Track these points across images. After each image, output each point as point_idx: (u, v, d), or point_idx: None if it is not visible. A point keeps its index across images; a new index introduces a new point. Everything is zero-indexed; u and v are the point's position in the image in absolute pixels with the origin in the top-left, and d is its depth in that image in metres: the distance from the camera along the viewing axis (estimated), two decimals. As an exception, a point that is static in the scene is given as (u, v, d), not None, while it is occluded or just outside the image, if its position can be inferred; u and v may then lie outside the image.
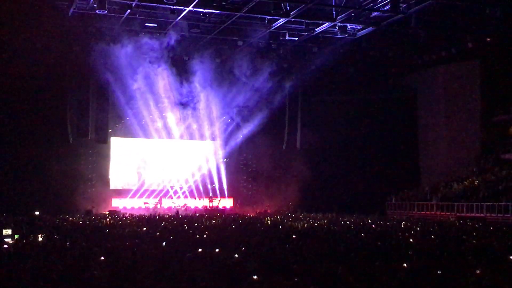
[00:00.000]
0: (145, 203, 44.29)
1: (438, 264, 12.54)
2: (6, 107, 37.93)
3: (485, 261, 13.02)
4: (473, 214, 34.91)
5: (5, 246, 17.29)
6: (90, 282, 10.10)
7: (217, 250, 14.72)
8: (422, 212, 38.82)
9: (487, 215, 34.07)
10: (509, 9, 32.38)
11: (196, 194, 47.02)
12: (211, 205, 45.44)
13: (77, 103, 41.77)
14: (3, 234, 18.70)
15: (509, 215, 32.74)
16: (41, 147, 40.18)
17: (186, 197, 46.77)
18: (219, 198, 46.84)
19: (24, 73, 36.63)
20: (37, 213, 31.97)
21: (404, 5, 32.16)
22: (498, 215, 33.47)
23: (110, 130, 44.42)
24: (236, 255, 13.42)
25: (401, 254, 14.49)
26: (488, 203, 34.95)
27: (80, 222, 28.66)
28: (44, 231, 21.07)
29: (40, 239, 18.85)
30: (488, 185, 38.05)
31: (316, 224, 28.76)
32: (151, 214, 36.25)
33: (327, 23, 35.23)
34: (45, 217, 29.86)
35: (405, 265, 12.22)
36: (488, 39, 37.78)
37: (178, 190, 46.92)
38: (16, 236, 18.88)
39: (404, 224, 27.74)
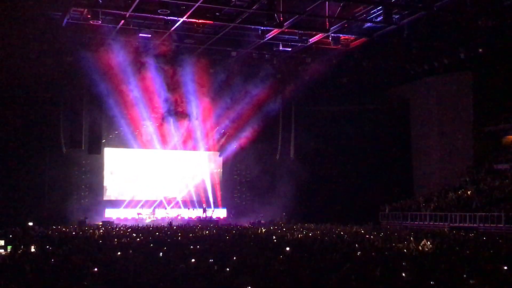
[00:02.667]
0: (138, 214, 44.18)
1: (433, 275, 12.54)
2: (0, 121, 37.83)
3: (479, 272, 13.02)
4: (466, 225, 34.93)
5: (-2, 257, 17.23)
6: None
7: (210, 261, 14.68)
8: (415, 222, 38.78)
9: (480, 225, 34.10)
10: (501, 20, 32.60)
11: (189, 205, 46.98)
12: (204, 216, 45.38)
13: (70, 113, 41.71)
14: (-4, 245, 18.63)
15: (502, 226, 32.77)
16: (34, 157, 40.08)
17: (179, 207, 46.70)
18: (212, 209, 46.79)
19: (17, 83, 36.60)
20: (30, 223, 31.79)
21: (397, 16, 32.34)
22: (492, 225, 33.50)
23: (103, 141, 44.36)
24: (229, 267, 13.38)
25: (395, 265, 14.47)
26: (481, 213, 34.97)
27: (73, 233, 28.52)
28: (37, 242, 20.96)
29: (33, 249, 18.76)
30: (481, 195, 38.12)
31: (310, 234, 28.69)
32: (144, 225, 36.17)
33: (320, 34, 35.38)
34: (38, 228, 29.69)
35: (404, 274, 12.21)
36: (480, 50, 37.93)
37: (172, 200, 46.83)
38: (9, 247, 18.78)
39: (397, 235, 27.69)
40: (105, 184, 45.21)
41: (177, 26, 33.35)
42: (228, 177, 48.97)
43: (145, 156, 46.66)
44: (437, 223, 37.14)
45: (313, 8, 31.35)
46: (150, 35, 35.78)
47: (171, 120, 45.55)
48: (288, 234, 28.92)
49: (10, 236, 22.85)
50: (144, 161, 46.71)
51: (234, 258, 15.76)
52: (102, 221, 40.14)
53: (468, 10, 30.50)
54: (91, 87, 39.98)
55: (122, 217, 43.05)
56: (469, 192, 39.86)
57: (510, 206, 34.15)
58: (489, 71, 43.44)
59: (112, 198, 45.33)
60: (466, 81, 44.77)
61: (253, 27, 34.66)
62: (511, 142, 45.04)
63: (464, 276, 12.49)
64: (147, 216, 43.77)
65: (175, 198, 46.91)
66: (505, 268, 13.45)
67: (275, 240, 23.94)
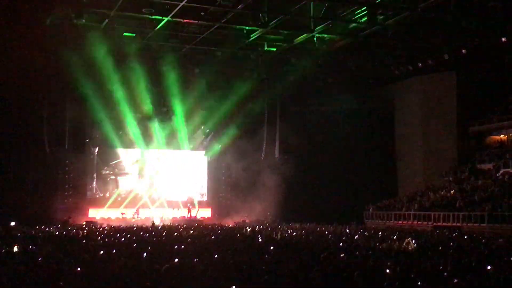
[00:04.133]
0: (122, 214, 44.01)
1: (416, 274, 12.60)
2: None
3: (462, 271, 13.11)
4: (449, 224, 35.13)
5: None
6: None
7: (195, 260, 14.66)
8: (399, 222, 38.94)
9: (464, 224, 34.30)
10: (484, 21, 32.87)
11: (174, 204, 46.87)
12: (189, 215, 45.31)
13: (54, 113, 41.44)
14: (-21, 245, 18.46)
15: (485, 225, 32.99)
16: (17, 156, 39.82)
17: (164, 207, 46.56)
18: (197, 208, 46.74)
19: (1, 84, 36.33)
20: (12, 223, 31.52)
21: (381, 17, 32.48)
22: (474, 224, 33.69)
23: (87, 140, 44.13)
24: (213, 266, 13.37)
25: (380, 264, 14.53)
26: (464, 213, 35.18)
27: (57, 233, 28.35)
28: (20, 242, 20.81)
29: (15, 249, 18.63)
30: (464, 195, 38.37)
31: (294, 234, 28.75)
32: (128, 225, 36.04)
33: (305, 34, 35.42)
34: (20, 228, 29.48)
35: (388, 271, 12.25)
36: (464, 51, 38.20)
37: (157, 200, 46.70)
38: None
39: (381, 234, 27.82)
40: (88, 183, 44.96)
41: (162, 26, 33.25)
42: (213, 176, 48.94)
43: (130, 155, 46.49)
44: (420, 223, 37.29)
45: (298, 9, 31.40)
46: (134, 35, 35.65)
47: (155, 120, 45.43)
48: (273, 233, 29.00)
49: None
50: (128, 160, 46.55)
51: (216, 256, 15.79)
52: (86, 221, 39.96)
53: (452, 11, 30.69)
54: (74, 86, 39.71)
55: (105, 217, 42.82)
56: (452, 192, 40.10)
57: (493, 206, 34.40)
58: (473, 72, 43.71)
59: (95, 197, 45.09)
60: (450, 82, 45.01)
61: (238, 27, 34.66)
62: (494, 142, 45.40)
63: (447, 274, 12.58)
64: (131, 216, 43.60)
65: (159, 197, 46.75)
66: (489, 267, 13.55)
67: (260, 240, 23.99)
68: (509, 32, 33.93)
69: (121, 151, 46.07)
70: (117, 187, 46.07)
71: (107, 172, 46.10)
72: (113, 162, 46.30)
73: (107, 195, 45.49)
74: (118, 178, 46.34)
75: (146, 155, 46.87)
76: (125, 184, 46.29)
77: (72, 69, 37.37)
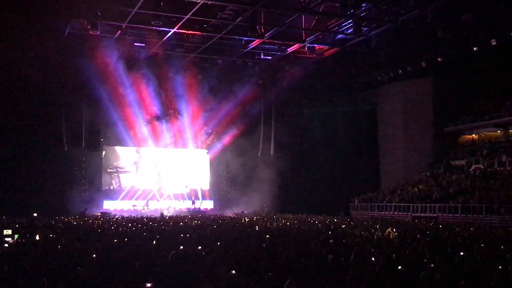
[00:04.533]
0: (133, 206, 43.98)
1: (397, 260, 12.62)
2: (6, 119, 37.45)
3: (438, 257, 13.13)
4: (426, 214, 35.20)
5: (6, 245, 17.06)
6: (82, 278, 9.96)
7: (199, 247, 14.65)
8: (381, 212, 39.01)
9: (439, 215, 34.38)
10: (458, 32, 32.91)
11: (180, 197, 46.85)
12: (193, 207, 45.28)
13: (71, 114, 41.38)
14: (4, 234, 18.43)
15: (458, 215, 33.07)
16: (39, 155, 39.76)
17: (171, 199, 46.54)
18: (201, 201, 46.71)
19: (23, 87, 36.28)
20: (35, 214, 31.44)
21: (366, 29, 32.50)
22: (449, 215, 33.79)
23: (102, 139, 44.07)
24: (215, 252, 13.37)
25: (364, 250, 14.54)
26: (440, 204, 35.27)
27: (74, 223, 28.31)
28: (41, 231, 20.79)
29: (37, 238, 18.62)
30: (440, 188, 38.43)
31: (287, 224, 28.77)
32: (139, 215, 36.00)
33: (297, 44, 35.43)
34: (42, 218, 29.41)
35: (373, 258, 12.26)
36: (440, 59, 38.26)
37: (164, 193, 46.67)
38: (16, 236, 18.61)
39: (366, 224, 27.86)
40: (102, 178, 44.91)
41: (168, 36, 33.22)
42: (215, 172, 48.93)
43: (140, 153, 46.45)
44: (401, 213, 37.36)
45: (291, 21, 31.39)
46: (144, 44, 35.62)
47: (163, 121, 45.41)
48: (269, 223, 29.00)
49: (17, 226, 22.61)
50: (139, 158, 46.51)
51: (218, 244, 15.78)
52: (101, 212, 39.90)
53: (429, 23, 30.71)
54: (90, 90, 39.67)
55: (118, 209, 42.77)
56: (429, 186, 40.17)
57: (466, 198, 34.48)
58: (448, 78, 43.81)
59: (110, 191, 45.00)
60: (427, 87, 45.10)
61: (237, 37, 34.62)
62: (466, 141, 45.51)
63: (425, 260, 12.61)
64: (141, 207, 43.57)
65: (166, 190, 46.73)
66: (461, 253, 13.59)
67: (257, 229, 23.99)
68: (480, 42, 34.01)
69: (132, 149, 46.00)
70: (127, 182, 45.98)
71: (118, 168, 46.02)
72: (122, 160, 46.23)
73: (120, 189, 45.43)
74: (128, 173, 46.27)
75: (154, 153, 46.78)
76: (135, 179, 46.21)
77: (88, 74, 37.34)
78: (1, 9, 25.62)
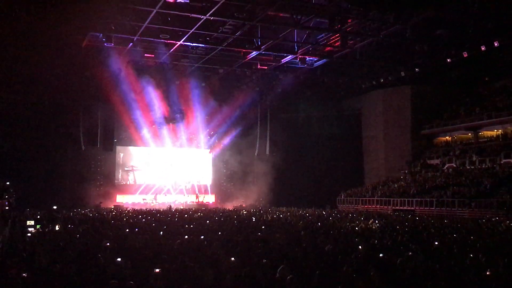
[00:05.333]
0: (143, 199, 43.95)
1: (379, 248, 12.64)
2: (30, 122, 37.41)
3: (415, 245, 13.16)
4: (405, 208, 35.27)
5: (29, 234, 17.03)
6: (97, 264, 9.95)
7: (201, 237, 14.65)
8: (365, 206, 39.07)
9: (416, 208, 34.46)
10: (433, 46, 32.99)
11: (185, 192, 46.84)
12: (197, 201, 45.28)
13: (88, 117, 41.37)
14: (28, 224, 18.38)
15: (433, 208, 33.18)
16: (58, 154, 39.72)
17: (177, 194, 46.53)
18: (203, 195, 46.69)
19: (45, 93, 36.24)
20: (55, 207, 31.38)
21: (351, 42, 32.53)
22: (425, 208, 33.89)
23: (115, 140, 44.02)
24: (217, 241, 13.37)
25: (349, 240, 14.57)
26: (417, 199, 35.36)
27: (90, 215, 28.28)
28: (60, 222, 20.76)
29: (57, 228, 18.58)
30: (417, 184, 38.51)
31: (281, 216, 28.78)
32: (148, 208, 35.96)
33: (290, 56, 35.42)
34: (61, 211, 29.36)
35: (360, 247, 12.26)
36: (417, 69, 38.32)
37: (171, 188, 46.64)
38: (38, 226, 18.57)
39: (351, 216, 27.89)
40: (116, 175, 44.88)
41: (175, 48, 33.20)
42: (216, 169, 48.93)
43: (149, 152, 46.41)
44: (382, 206, 37.44)
45: (285, 35, 31.41)
46: (153, 55, 35.56)
47: (170, 123, 45.38)
48: (264, 215, 28.99)
49: (38, 217, 22.55)
50: (148, 156, 46.47)
51: (219, 234, 15.79)
52: (114, 205, 39.86)
53: (408, 37, 30.80)
54: (105, 96, 39.62)
55: (130, 202, 42.74)
56: (407, 182, 40.24)
57: (440, 193, 34.56)
58: (424, 86, 43.93)
59: (122, 186, 45.02)
60: (405, 94, 45.16)
61: (236, 49, 34.61)
62: (440, 142, 45.58)
63: (402, 248, 12.64)
64: (150, 201, 43.55)
65: (173, 186, 46.64)
66: (436, 243, 13.63)
67: (254, 220, 24.00)
68: (452, 55, 34.09)
69: (142, 149, 45.94)
70: (138, 178, 45.95)
71: (129, 166, 45.98)
72: (133, 158, 46.19)
73: (131, 184, 45.42)
74: (138, 171, 46.24)
75: (162, 152, 46.74)
76: (145, 176, 46.16)
77: (103, 81, 37.30)
78: (28, 24, 25.62)
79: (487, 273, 9.10)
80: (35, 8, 23.95)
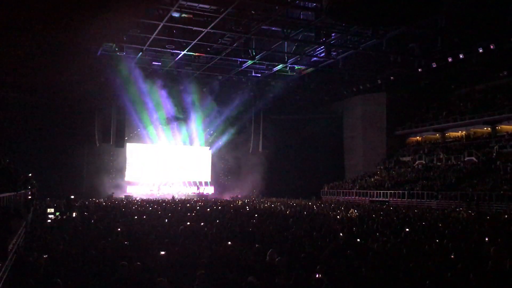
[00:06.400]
0: (150, 190, 43.79)
1: (357, 234, 12.67)
2: (51, 122, 37.17)
3: (389, 232, 13.20)
4: (380, 199, 35.39)
5: (49, 220, 16.94)
6: (110, 247, 9.91)
7: (201, 224, 14.64)
8: (346, 197, 39.17)
9: (390, 199, 34.58)
10: (406, 57, 33.09)
11: (187, 184, 46.71)
12: (198, 192, 45.18)
13: (102, 117, 41.19)
14: (48, 212, 18.27)
15: (405, 200, 33.28)
16: (76, 149, 39.52)
17: (180, 185, 46.35)
18: (204, 187, 46.59)
19: (64, 97, 36.06)
20: (72, 196, 31.29)
21: (334, 53, 32.61)
22: (398, 199, 34.00)
23: (126, 138, 43.85)
24: (215, 227, 13.36)
25: (331, 227, 14.58)
26: (391, 191, 35.47)
27: (103, 203, 28.19)
28: (77, 209, 20.67)
29: (74, 215, 18.50)
30: (391, 178, 38.63)
31: (272, 205, 28.81)
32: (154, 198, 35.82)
33: (281, 64, 35.46)
34: (78, 200, 29.24)
35: (341, 234, 12.27)
36: (392, 78, 38.46)
37: (175, 181, 46.47)
38: (57, 213, 18.47)
39: (333, 206, 27.94)
40: (126, 169, 44.65)
41: (179, 57, 33.13)
42: (215, 164, 48.81)
43: (156, 149, 46.22)
44: (360, 198, 37.54)
45: (276, 47, 31.46)
46: (160, 63, 35.50)
47: (175, 123, 45.24)
48: (257, 205, 29.01)
49: (58, 205, 22.43)
50: (155, 152, 46.27)
51: (217, 221, 15.77)
52: (125, 195, 39.73)
53: (384, 49, 30.91)
54: (117, 99, 39.49)
55: (139, 193, 42.58)
56: (382, 176, 40.36)
57: (411, 186, 34.68)
58: (398, 92, 44.03)
59: (132, 178, 44.71)
60: (381, 99, 45.22)
61: (233, 59, 34.61)
62: (412, 142, 45.75)
63: (378, 234, 12.67)
64: (156, 191, 43.40)
65: (177, 179, 46.52)
66: (407, 229, 13.67)
67: (248, 209, 24.00)
68: (423, 65, 34.23)
69: (150, 146, 45.72)
70: (146, 172, 45.73)
71: (138, 161, 45.76)
72: (144, 154, 45.97)
73: (140, 177, 45.19)
74: (146, 165, 46.02)
75: (167, 149, 46.56)
76: (152, 170, 45.94)
77: (115, 86, 37.16)
78: (52, 37, 25.56)
79: (451, 256, 9.15)
80: (57, 23, 23.85)
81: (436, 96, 44.96)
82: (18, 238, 10.97)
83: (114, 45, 30.55)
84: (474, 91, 42.20)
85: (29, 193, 18.80)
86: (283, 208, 25.28)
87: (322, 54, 32.64)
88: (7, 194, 10.38)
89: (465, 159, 36.64)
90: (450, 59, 31.85)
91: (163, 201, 31.94)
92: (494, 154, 34.76)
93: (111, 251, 9.40)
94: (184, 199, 37.07)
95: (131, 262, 7.70)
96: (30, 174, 22.82)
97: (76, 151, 39.57)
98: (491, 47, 29.20)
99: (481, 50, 29.69)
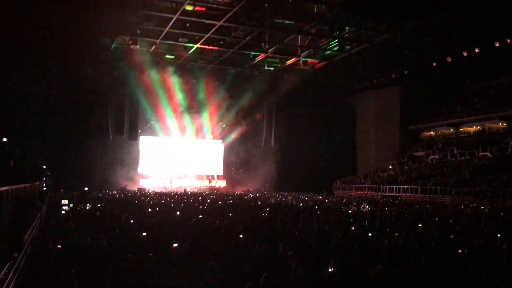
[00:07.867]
0: (163, 183, 44.03)
1: (370, 229, 12.62)
2: (67, 115, 37.53)
3: (402, 227, 13.12)
4: (393, 194, 35.20)
5: (63, 212, 17.13)
6: (123, 238, 10.01)
7: (213, 216, 14.67)
8: (358, 192, 39.05)
9: (403, 194, 34.38)
10: (421, 52, 32.76)
11: (200, 177, 46.88)
12: (210, 185, 45.33)
13: (116, 110, 41.43)
14: (62, 203, 18.46)
15: (418, 195, 33.08)
16: (90, 142, 39.81)
17: (192, 179, 46.53)
18: (216, 180, 46.73)
19: (79, 91, 36.36)
20: (86, 188, 31.58)
21: (348, 46, 32.35)
22: (411, 194, 33.80)
23: (139, 131, 44.10)
24: (227, 221, 13.39)
25: (342, 221, 14.54)
26: (404, 186, 35.25)
27: (117, 196, 28.42)
28: (91, 201, 20.87)
29: (88, 207, 18.68)
30: (404, 173, 38.39)
31: (283, 199, 28.82)
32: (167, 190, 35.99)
33: (294, 58, 35.30)
34: (92, 192, 29.52)
35: (353, 228, 12.23)
36: (406, 72, 38.08)
37: (187, 174, 46.66)
38: (71, 205, 18.67)
39: (345, 201, 27.87)
40: (139, 161, 44.94)
41: (193, 50, 33.16)
42: (227, 158, 48.90)
43: (169, 142, 46.42)
44: (373, 193, 37.39)
45: (289, 40, 31.31)
46: (173, 56, 35.57)
47: (187, 116, 45.36)
48: (269, 198, 29.04)
49: (72, 197, 22.67)
50: (168, 145, 46.48)
51: (230, 214, 15.81)
52: (138, 188, 40.00)
53: (398, 44, 30.59)
54: (131, 92, 39.70)
55: (151, 185, 42.85)
56: (395, 171, 40.12)
57: (424, 182, 34.43)
58: (412, 87, 43.59)
59: (145, 171, 44.99)
60: (395, 94, 44.91)
61: (246, 52, 34.55)
62: (425, 137, 45.39)
63: (388, 230, 12.60)
64: (168, 184, 43.64)
65: (189, 172, 46.72)
66: (420, 225, 13.58)
67: (259, 203, 24.03)
68: (437, 59, 33.82)
69: (163, 139, 45.92)
70: (158, 164, 45.99)
71: (151, 154, 46.01)
72: (157, 147, 46.21)
73: (153, 169, 45.47)
74: (158, 158, 46.26)
75: (180, 142, 46.73)
76: (164, 163, 46.16)
77: (129, 79, 37.36)
78: (69, 33, 25.83)
79: (463, 252, 9.06)
80: (72, 18, 24.04)
81: (450, 91, 44.47)
82: (33, 228, 11.13)
83: (128, 38, 30.67)
84: (489, 86, 41.65)
85: (44, 184, 19.01)
86: (294, 202, 25.26)
87: (336, 48, 32.42)
88: (23, 185, 10.52)
89: (479, 155, 36.23)
90: (465, 54, 31.42)
91: (176, 194, 32.10)
92: (510, 150, 34.30)
93: (124, 242, 9.48)
94: (196, 192, 37.22)
95: (144, 254, 7.76)
96: (44, 166, 23.06)
97: (90, 143, 39.87)
98: (508, 41, 28.75)
99: (497, 45, 29.24)
